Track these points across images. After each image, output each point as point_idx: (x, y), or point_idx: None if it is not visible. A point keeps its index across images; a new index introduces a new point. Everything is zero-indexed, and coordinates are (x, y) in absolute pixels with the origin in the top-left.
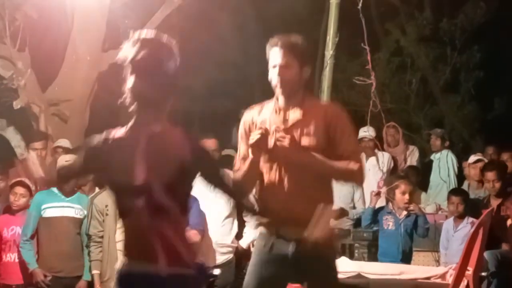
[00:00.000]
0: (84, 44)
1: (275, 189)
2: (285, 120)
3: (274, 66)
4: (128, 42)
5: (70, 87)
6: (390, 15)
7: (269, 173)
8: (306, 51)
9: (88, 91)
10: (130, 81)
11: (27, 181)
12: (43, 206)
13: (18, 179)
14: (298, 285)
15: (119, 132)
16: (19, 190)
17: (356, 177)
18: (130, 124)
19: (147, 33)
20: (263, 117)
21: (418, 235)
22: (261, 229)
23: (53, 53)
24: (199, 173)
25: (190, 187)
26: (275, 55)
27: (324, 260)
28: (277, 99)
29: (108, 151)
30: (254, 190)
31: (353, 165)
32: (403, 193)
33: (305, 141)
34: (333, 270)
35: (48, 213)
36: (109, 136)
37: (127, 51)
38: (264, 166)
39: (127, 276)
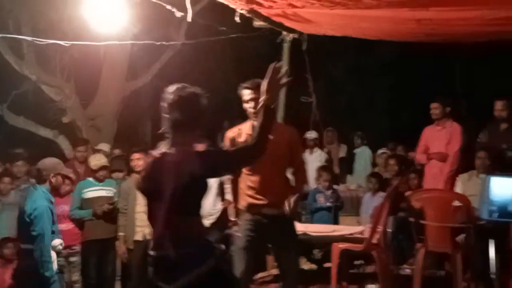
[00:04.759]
0: (112, 76)
1: (260, 184)
2: None
3: (247, 101)
4: (169, 89)
5: (103, 106)
6: (325, 54)
7: (254, 174)
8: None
9: (116, 110)
10: (167, 116)
11: (70, 174)
12: (83, 190)
13: (63, 173)
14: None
15: (158, 150)
16: (65, 181)
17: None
18: (166, 144)
19: (182, 84)
20: (243, 138)
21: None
22: (247, 209)
23: (90, 83)
24: (222, 168)
25: (200, 192)
26: (247, 94)
27: (291, 228)
28: (252, 122)
29: (148, 166)
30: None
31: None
32: (324, 180)
33: (274, 153)
34: (295, 234)
35: (88, 195)
36: (152, 153)
37: (167, 95)
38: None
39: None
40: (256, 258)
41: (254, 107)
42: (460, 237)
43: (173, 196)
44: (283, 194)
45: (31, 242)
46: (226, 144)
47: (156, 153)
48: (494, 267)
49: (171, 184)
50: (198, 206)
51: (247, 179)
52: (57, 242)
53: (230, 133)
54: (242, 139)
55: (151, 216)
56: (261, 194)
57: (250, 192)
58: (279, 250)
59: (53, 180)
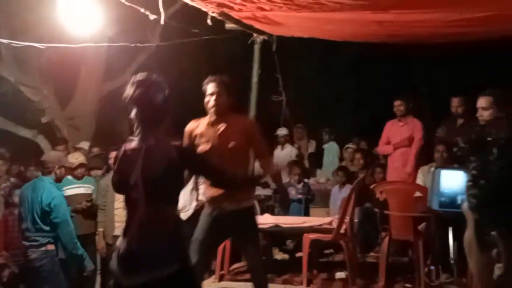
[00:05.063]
0: (90, 78)
1: None
2: (216, 131)
3: (211, 94)
4: (129, 84)
5: (81, 107)
6: (295, 55)
7: None
8: (232, 86)
9: (94, 109)
10: (132, 111)
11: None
12: (63, 188)
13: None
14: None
15: (129, 143)
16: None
17: (270, 169)
18: (137, 136)
19: (141, 75)
20: (200, 130)
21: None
22: (208, 202)
23: (68, 84)
24: (190, 169)
25: (178, 181)
26: (211, 87)
27: (251, 223)
28: (211, 116)
29: (121, 157)
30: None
31: (265, 162)
32: (295, 174)
33: (231, 144)
34: (256, 228)
35: (67, 192)
36: (124, 147)
37: (128, 90)
38: None
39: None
40: (211, 252)
41: (216, 100)
42: (421, 226)
43: (147, 185)
44: None
45: (52, 231)
46: (185, 136)
47: (128, 144)
48: (452, 252)
49: (145, 173)
50: (172, 196)
51: None
52: None
53: (190, 126)
54: (199, 130)
55: (128, 207)
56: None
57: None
58: (242, 244)
59: (57, 172)
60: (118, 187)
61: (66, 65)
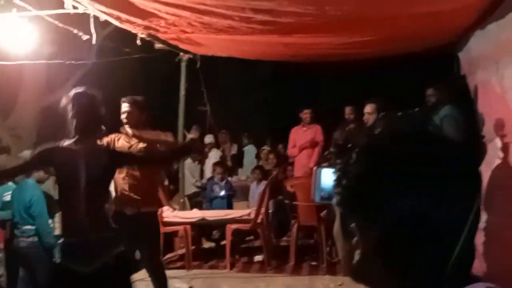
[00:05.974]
0: (30, 91)
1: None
2: (127, 142)
3: (124, 113)
4: (67, 96)
5: (22, 117)
6: (217, 71)
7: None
8: (143, 105)
9: (35, 120)
10: (71, 120)
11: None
12: (4, 194)
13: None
14: None
15: (66, 143)
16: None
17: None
18: (74, 140)
19: (78, 89)
20: (117, 139)
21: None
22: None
23: (9, 97)
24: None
25: (109, 179)
26: (124, 106)
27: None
28: (126, 130)
29: (59, 154)
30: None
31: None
32: (218, 173)
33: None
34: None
35: (8, 197)
36: (59, 145)
37: (67, 102)
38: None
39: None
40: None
41: (127, 118)
42: (323, 213)
43: (88, 184)
44: (148, 194)
45: (32, 223)
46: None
47: (65, 144)
48: None
49: (85, 173)
50: (108, 192)
51: (125, 174)
52: None
53: (111, 136)
54: (116, 140)
55: (65, 204)
56: (131, 190)
57: (123, 187)
58: (140, 250)
59: (36, 175)
60: (63, 187)
61: (6, 80)
